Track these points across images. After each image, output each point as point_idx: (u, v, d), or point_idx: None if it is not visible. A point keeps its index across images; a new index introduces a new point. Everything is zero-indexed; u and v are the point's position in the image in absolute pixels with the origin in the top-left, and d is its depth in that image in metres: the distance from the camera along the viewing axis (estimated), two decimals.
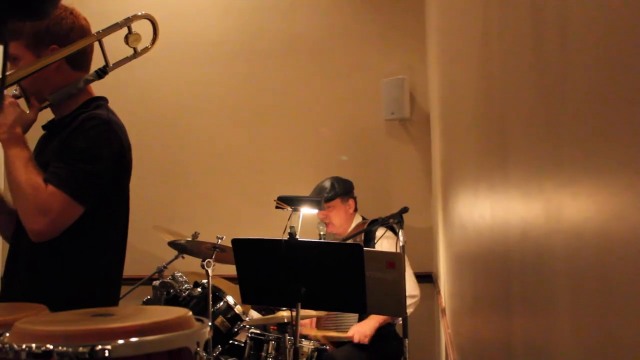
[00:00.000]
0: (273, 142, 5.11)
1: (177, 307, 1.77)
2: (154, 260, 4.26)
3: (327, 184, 4.06)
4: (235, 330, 3.60)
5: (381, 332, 3.74)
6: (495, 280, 1.37)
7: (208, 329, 1.51)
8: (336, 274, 2.94)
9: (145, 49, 2.35)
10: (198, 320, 1.55)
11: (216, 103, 5.24)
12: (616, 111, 0.56)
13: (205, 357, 1.46)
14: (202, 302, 3.53)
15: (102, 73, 2.21)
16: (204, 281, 3.56)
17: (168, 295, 3.61)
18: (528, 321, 1.04)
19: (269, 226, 3.94)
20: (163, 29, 2.40)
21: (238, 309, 3.62)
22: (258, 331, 3.59)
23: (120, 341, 1.33)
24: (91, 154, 2.09)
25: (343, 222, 4.06)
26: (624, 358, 0.55)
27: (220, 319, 3.55)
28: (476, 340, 1.90)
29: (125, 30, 2.23)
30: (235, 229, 4.58)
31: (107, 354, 1.31)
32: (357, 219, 4.12)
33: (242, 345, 3.60)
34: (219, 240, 3.52)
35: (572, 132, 0.71)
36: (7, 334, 1.46)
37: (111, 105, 2.30)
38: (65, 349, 1.31)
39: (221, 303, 3.62)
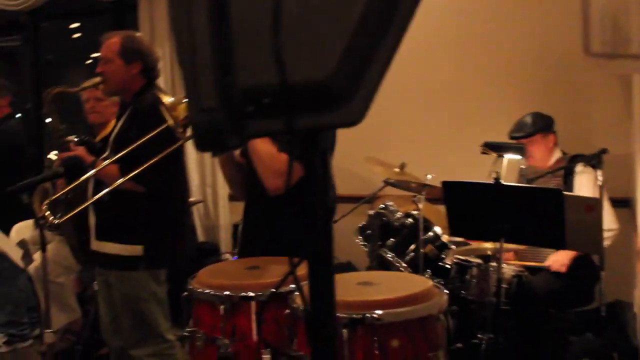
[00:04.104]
0: (471, 75, 5.28)
1: (420, 277, 2.20)
2: (363, 182, 4.77)
3: (529, 119, 4.21)
4: (442, 256, 4.03)
5: (578, 261, 3.96)
6: None
7: (446, 297, 1.92)
8: (537, 215, 3.24)
9: None
10: (437, 287, 1.97)
11: (426, 35, 5.42)
12: None
13: (444, 321, 1.88)
14: (412, 231, 3.97)
15: None
16: (414, 212, 4.00)
17: (381, 222, 4.09)
18: None
19: (471, 154, 4.25)
20: None
21: (444, 238, 4.04)
22: (462, 257, 3.96)
23: (386, 311, 1.77)
24: None
25: (543, 156, 4.22)
26: None
27: (429, 247, 3.99)
28: None
29: None
30: (438, 161, 4.94)
31: (375, 320, 1.77)
32: (557, 154, 4.26)
33: (449, 267, 4.00)
34: (428, 178, 3.91)
35: None
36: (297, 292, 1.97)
37: None
38: (345, 315, 1.78)
39: (430, 233, 4.04)
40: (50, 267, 3.93)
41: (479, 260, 3.89)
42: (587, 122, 5.00)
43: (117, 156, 2.72)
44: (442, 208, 4.29)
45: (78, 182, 2.70)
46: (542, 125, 4.19)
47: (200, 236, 6.04)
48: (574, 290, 3.98)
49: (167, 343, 3.33)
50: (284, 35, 1.03)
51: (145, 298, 3.22)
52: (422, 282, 1.96)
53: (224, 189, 5.97)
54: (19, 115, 5.31)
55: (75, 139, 3.71)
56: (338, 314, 1.79)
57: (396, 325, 1.79)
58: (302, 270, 2.21)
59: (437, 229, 4.04)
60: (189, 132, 2.42)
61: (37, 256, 3.90)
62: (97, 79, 3.35)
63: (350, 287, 1.95)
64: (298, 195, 2.64)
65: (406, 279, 2.10)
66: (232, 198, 6.01)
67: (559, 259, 3.93)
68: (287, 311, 1.94)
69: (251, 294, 2.07)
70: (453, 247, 4.06)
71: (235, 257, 5.28)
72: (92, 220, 3.20)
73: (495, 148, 3.64)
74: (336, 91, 1.10)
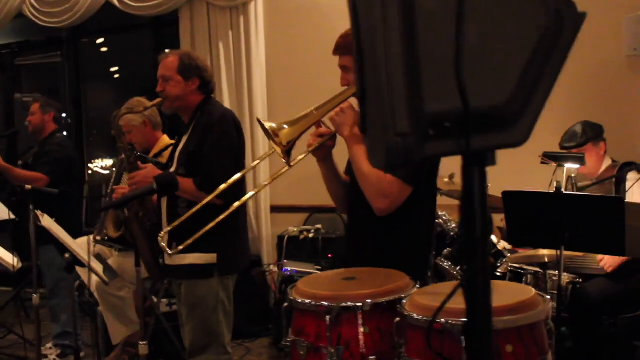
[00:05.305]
0: None
1: (520, 285, 2.27)
2: None
3: (579, 129, 4.25)
4: (498, 265, 4.09)
5: (634, 265, 3.98)
6: None
7: (551, 304, 2.00)
8: (598, 222, 3.30)
9: None
10: (540, 295, 2.04)
11: None
12: None
13: (552, 326, 1.95)
14: None
15: None
16: None
17: (436, 232, 4.16)
18: None
19: (518, 163, 4.27)
20: None
21: (500, 245, 4.10)
22: (517, 265, 4.02)
23: (500, 318, 1.85)
24: None
25: (594, 164, 4.26)
26: None
27: None
28: None
29: None
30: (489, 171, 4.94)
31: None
32: (607, 161, 4.30)
33: (503, 276, 4.06)
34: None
35: None
36: (404, 302, 2.04)
37: None
38: (449, 320, 1.85)
39: None
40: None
41: (533, 268, 3.94)
42: (636, 129, 5.00)
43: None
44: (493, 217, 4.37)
45: (200, 205, 2.80)
46: (593, 134, 4.24)
47: None
48: (630, 295, 4.02)
49: (227, 355, 3.39)
50: (466, 63, 1.11)
51: (214, 306, 3.30)
52: (527, 290, 2.03)
53: (265, 201, 6.02)
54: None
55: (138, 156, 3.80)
56: (451, 321, 1.86)
57: (509, 331, 1.86)
58: (399, 281, 2.28)
59: (493, 238, 4.11)
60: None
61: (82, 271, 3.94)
62: (159, 100, 3.42)
63: (458, 295, 2.02)
64: (403, 214, 2.63)
65: (507, 286, 2.17)
66: (273, 210, 6.08)
67: (611, 260, 3.95)
68: (397, 319, 2.02)
69: (354, 303, 2.14)
70: (508, 255, 4.11)
71: (284, 268, 5.34)
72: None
73: (555, 158, 3.70)
74: (509, 115, 1.19)
